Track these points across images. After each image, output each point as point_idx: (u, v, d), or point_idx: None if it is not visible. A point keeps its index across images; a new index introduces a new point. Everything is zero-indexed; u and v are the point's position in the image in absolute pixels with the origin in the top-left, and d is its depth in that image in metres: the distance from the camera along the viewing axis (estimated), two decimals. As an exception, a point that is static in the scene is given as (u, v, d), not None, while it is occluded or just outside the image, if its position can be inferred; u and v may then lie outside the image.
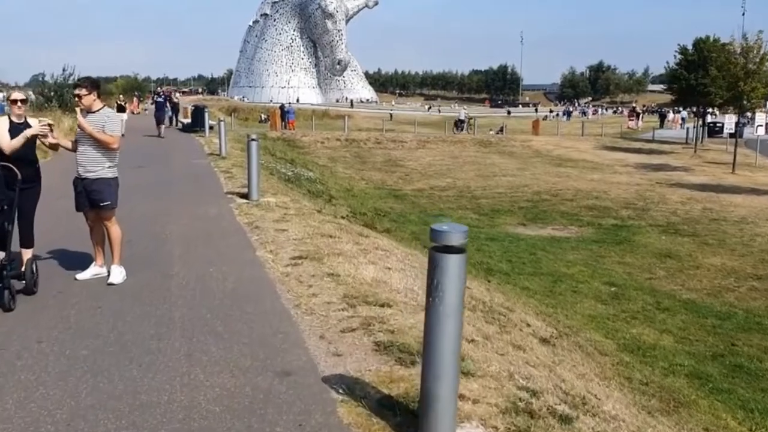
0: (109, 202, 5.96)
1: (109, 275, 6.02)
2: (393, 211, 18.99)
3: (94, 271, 6.17)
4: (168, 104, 30.92)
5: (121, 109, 25.56)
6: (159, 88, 33.26)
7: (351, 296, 5.43)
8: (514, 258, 13.43)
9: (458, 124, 47.04)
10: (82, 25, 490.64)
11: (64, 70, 30.50)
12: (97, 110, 5.89)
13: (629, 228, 17.62)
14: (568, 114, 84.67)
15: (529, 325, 6.83)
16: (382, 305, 5.21)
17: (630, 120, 60.08)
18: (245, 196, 10.94)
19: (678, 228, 17.52)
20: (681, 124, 57.08)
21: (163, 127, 25.46)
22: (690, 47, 37.79)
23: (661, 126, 56.40)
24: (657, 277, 12.56)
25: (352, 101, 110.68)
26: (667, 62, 36.83)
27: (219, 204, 10.35)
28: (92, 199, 5.93)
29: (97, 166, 5.90)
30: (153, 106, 31.94)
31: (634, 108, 78.46)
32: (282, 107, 44.21)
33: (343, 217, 11.30)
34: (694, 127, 43.80)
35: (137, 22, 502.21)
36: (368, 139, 38.86)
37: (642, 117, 66.42)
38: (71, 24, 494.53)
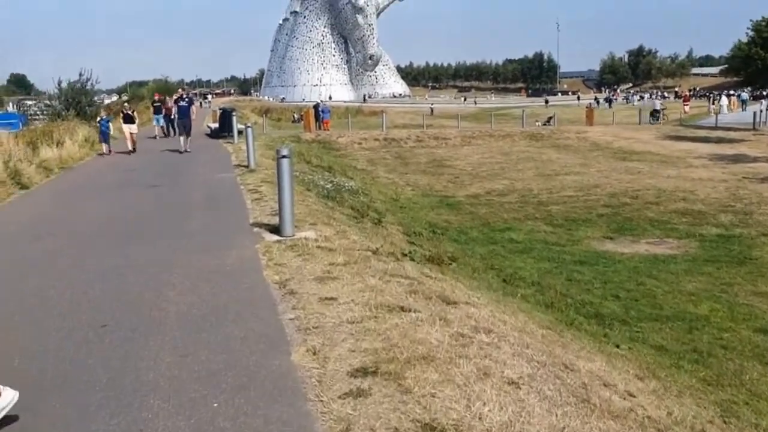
0: None
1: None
2: (450, 226, 16.15)
3: None
4: (164, 110, 26.68)
5: (128, 119, 21.42)
6: (181, 90, 30.20)
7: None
8: (621, 291, 10.50)
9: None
10: (114, 31, 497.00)
11: (80, 75, 28.21)
12: None
13: (740, 239, 14.51)
14: (609, 102, 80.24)
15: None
16: None
17: (685, 104, 55.86)
18: (276, 229, 8.32)
19: (801, 238, 14.38)
20: (743, 107, 53.19)
21: (188, 139, 20.94)
22: (765, 23, 33.92)
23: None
24: (819, 316, 9.54)
25: (365, 96, 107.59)
26: (739, 40, 33.12)
27: (241, 245, 7.71)
28: None
29: None
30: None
31: (679, 92, 73.88)
32: (317, 107, 41.52)
33: (404, 255, 8.55)
34: (761, 111, 39.97)
35: (170, 26, 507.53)
36: (408, 137, 36.02)
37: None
38: (103, 30, 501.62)
